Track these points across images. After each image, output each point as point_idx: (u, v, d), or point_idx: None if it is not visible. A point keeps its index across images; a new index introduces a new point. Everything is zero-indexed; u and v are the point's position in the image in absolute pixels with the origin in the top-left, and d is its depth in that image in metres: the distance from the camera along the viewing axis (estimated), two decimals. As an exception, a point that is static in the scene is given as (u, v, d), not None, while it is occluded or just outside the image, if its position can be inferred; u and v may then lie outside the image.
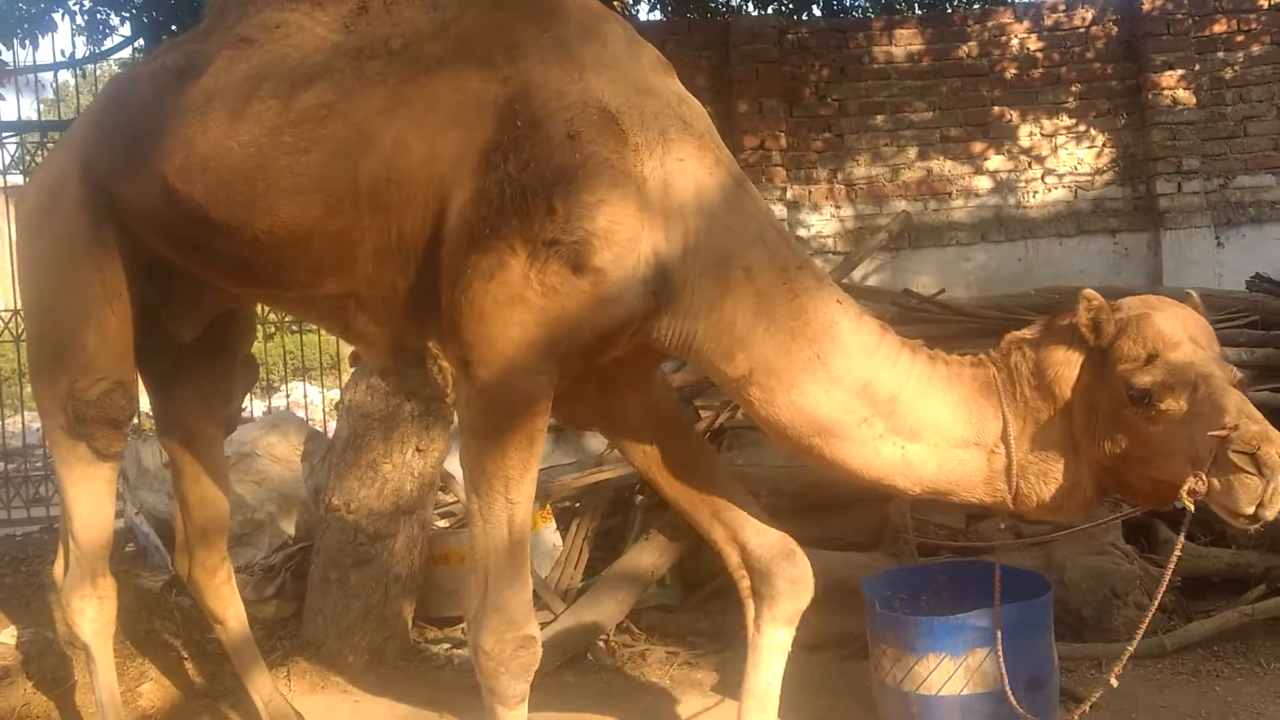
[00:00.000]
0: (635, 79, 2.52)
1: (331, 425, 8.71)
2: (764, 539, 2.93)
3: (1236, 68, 7.15)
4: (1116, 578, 4.18)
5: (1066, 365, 2.40)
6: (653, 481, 3.01)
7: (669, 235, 2.41)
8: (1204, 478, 2.14)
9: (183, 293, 2.99)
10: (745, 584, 2.99)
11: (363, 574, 4.30)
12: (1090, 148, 7.20)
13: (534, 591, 4.59)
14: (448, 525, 5.04)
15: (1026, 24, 7.25)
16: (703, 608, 4.70)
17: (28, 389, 11.54)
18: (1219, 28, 7.15)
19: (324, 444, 5.34)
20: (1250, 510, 2.11)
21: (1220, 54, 7.14)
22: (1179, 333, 2.28)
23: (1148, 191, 7.14)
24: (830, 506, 4.53)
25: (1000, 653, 3.16)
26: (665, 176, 2.41)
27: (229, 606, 3.37)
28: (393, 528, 4.35)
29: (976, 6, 8.98)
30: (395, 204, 2.43)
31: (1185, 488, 2.16)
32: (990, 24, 7.26)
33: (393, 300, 2.56)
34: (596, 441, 6.17)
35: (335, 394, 10.83)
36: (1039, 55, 7.24)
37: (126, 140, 2.71)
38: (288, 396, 11.91)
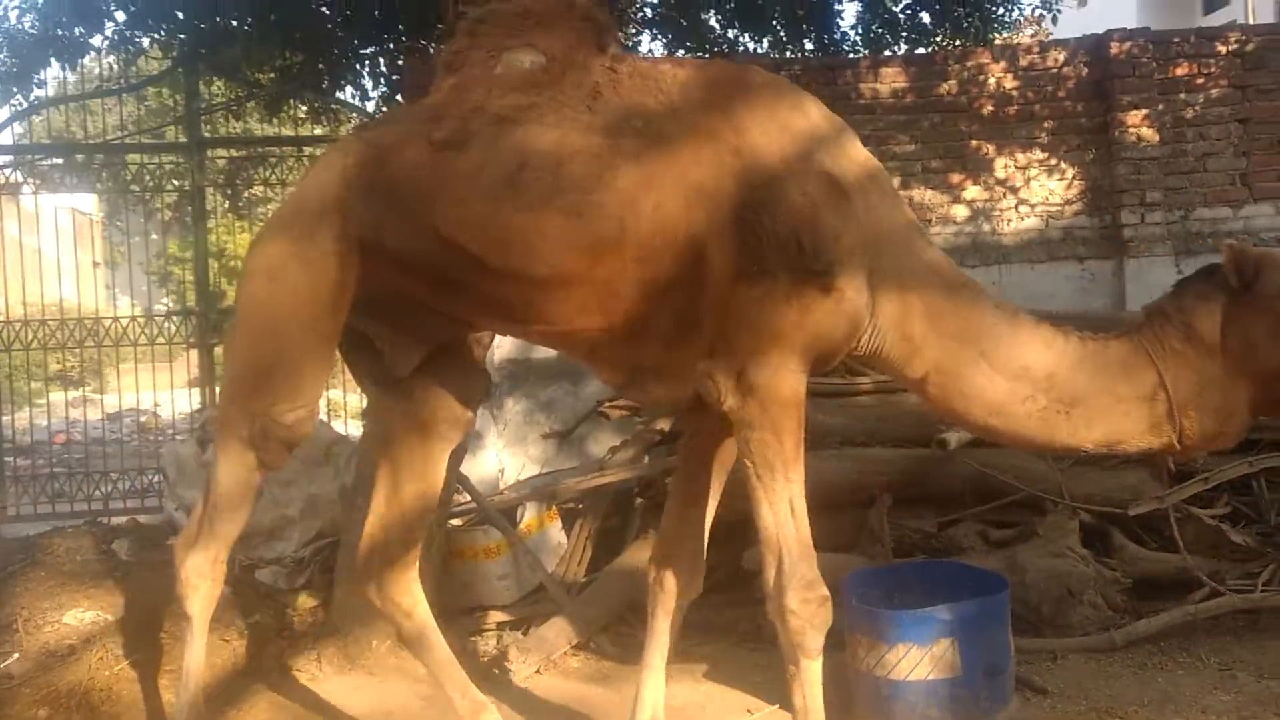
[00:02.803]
0: (834, 143, 3.00)
1: (355, 427, 9.01)
2: (695, 544, 3.48)
3: (1197, 108, 7.36)
4: (1073, 579, 4.44)
5: (1210, 311, 2.85)
6: (684, 457, 3.55)
7: (868, 263, 2.92)
8: None
9: (410, 332, 3.30)
10: (654, 575, 3.49)
11: (387, 567, 4.62)
12: (1061, 180, 7.42)
13: (542, 584, 4.99)
14: (462, 524, 5.29)
15: (1003, 64, 7.45)
16: (696, 602, 4.87)
17: (19, 386, 11.75)
18: (1181, 71, 7.36)
19: (349, 447, 5.60)
20: None
21: (1182, 95, 7.35)
22: None
23: (1113, 221, 7.33)
24: (812, 510, 4.79)
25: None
26: (865, 218, 2.92)
27: (416, 603, 3.60)
28: (414, 525, 4.68)
29: (957, 47, 9.21)
30: (655, 255, 2.85)
31: None
32: (969, 64, 7.47)
33: (641, 330, 2.98)
34: (599, 447, 6.50)
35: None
36: (1014, 93, 7.43)
37: (392, 198, 3.01)
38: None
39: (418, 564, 3.62)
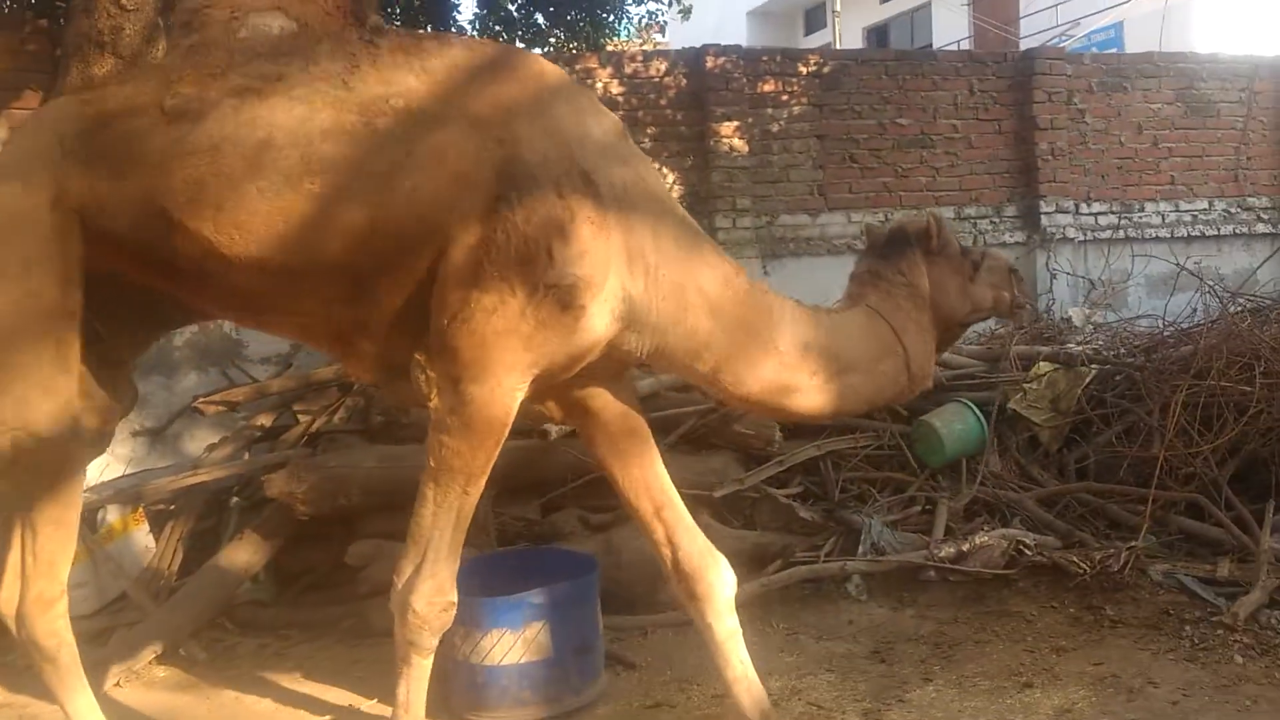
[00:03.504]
0: (603, 143, 2.88)
1: None
2: (693, 544, 3.28)
3: (782, 123, 7.96)
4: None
5: (922, 271, 3.26)
6: (608, 471, 3.30)
7: (632, 271, 2.84)
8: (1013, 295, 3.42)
9: (137, 316, 3.00)
10: (682, 588, 3.30)
11: None
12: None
13: (126, 592, 4.67)
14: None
15: (610, 70, 7.72)
16: (296, 602, 4.86)
17: None
18: (768, 87, 7.92)
19: None
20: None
21: (769, 110, 7.92)
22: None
23: (709, 225, 7.68)
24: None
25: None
26: (628, 226, 2.82)
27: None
28: None
29: (570, 50, 9.50)
30: (410, 244, 2.69)
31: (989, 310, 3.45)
32: (578, 67, 7.68)
33: (392, 323, 2.81)
34: (194, 445, 6.16)
35: None
36: (620, 99, 7.71)
37: (116, 172, 2.71)
38: None
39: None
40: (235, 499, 5.09)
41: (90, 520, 4.89)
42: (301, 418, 5.30)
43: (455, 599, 2.92)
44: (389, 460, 4.76)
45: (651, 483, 3.28)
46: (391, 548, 4.47)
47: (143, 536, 5.05)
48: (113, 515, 4.98)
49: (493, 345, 2.69)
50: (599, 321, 2.81)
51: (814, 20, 28.98)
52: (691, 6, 10.23)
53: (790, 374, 3.10)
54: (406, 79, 2.77)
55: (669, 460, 5.00)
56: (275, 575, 4.91)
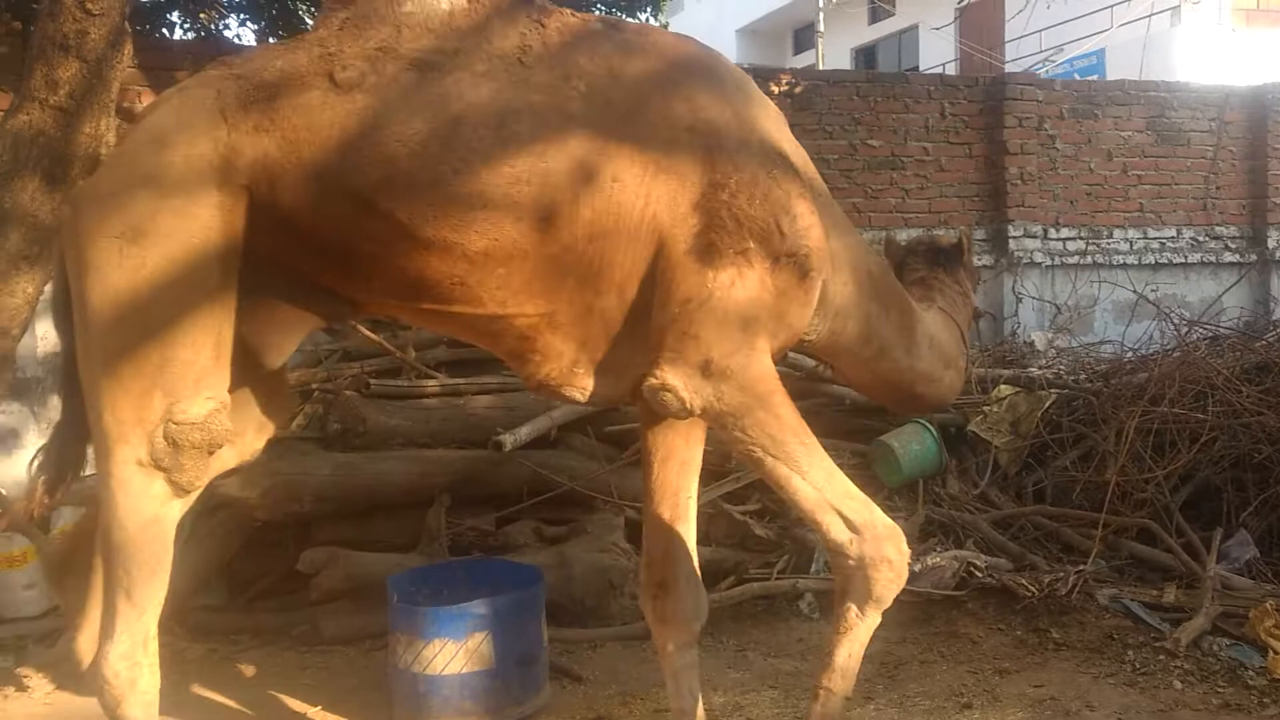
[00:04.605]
0: (778, 127, 2.89)
1: None
2: (683, 568, 3.18)
3: None
4: (615, 572, 4.70)
5: (967, 282, 3.65)
6: (646, 459, 3.18)
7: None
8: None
9: (289, 312, 2.75)
10: (653, 606, 3.21)
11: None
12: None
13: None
14: (-17, 531, 4.85)
15: None
16: (248, 609, 4.85)
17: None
18: None
19: None
20: None
21: None
22: None
23: None
24: (372, 511, 4.86)
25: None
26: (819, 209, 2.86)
27: None
28: None
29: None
30: (608, 232, 2.60)
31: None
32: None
33: (584, 317, 2.71)
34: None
35: None
36: None
37: (288, 147, 2.50)
38: None
39: None
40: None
41: (44, 522, 4.87)
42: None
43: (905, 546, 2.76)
44: (343, 468, 4.77)
45: (680, 490, 3.18)
46: (344, 555, 4.52)
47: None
48: (66, 516, 4.96)
49: (736, 316, 2.64)
50: (817, 296, 2.87)
51: (803, 40, 29.13)
52: (668, 24, 10.28)
53: (928, 363, 3.26)
54: (581, 62, 2.67)
55: (622, 474, 5.12)
56: (227, 580, 4.90)
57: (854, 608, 2.74)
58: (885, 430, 5.91)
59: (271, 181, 2.53)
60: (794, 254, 2.71)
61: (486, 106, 2.53)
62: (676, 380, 2.65)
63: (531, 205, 2.53)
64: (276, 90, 2.55)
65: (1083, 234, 8.89)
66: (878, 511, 2.74)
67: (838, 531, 2.69)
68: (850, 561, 2.69)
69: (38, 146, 4.15)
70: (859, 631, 2.76)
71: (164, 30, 8.56)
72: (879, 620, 2.78)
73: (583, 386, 2.82)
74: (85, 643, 2.86)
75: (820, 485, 2.69)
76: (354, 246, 2.59)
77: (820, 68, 19.38)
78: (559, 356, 2.77)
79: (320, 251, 2.62)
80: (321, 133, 2.51)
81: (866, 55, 27.16)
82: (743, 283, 2.64)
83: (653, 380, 2.67)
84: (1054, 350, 7.37)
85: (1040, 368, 6.55)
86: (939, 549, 5.15)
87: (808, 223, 2.75)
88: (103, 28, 4.31)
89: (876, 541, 2.68)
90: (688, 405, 2.67)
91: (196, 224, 2.50)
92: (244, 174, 2.53)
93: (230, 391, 2.64)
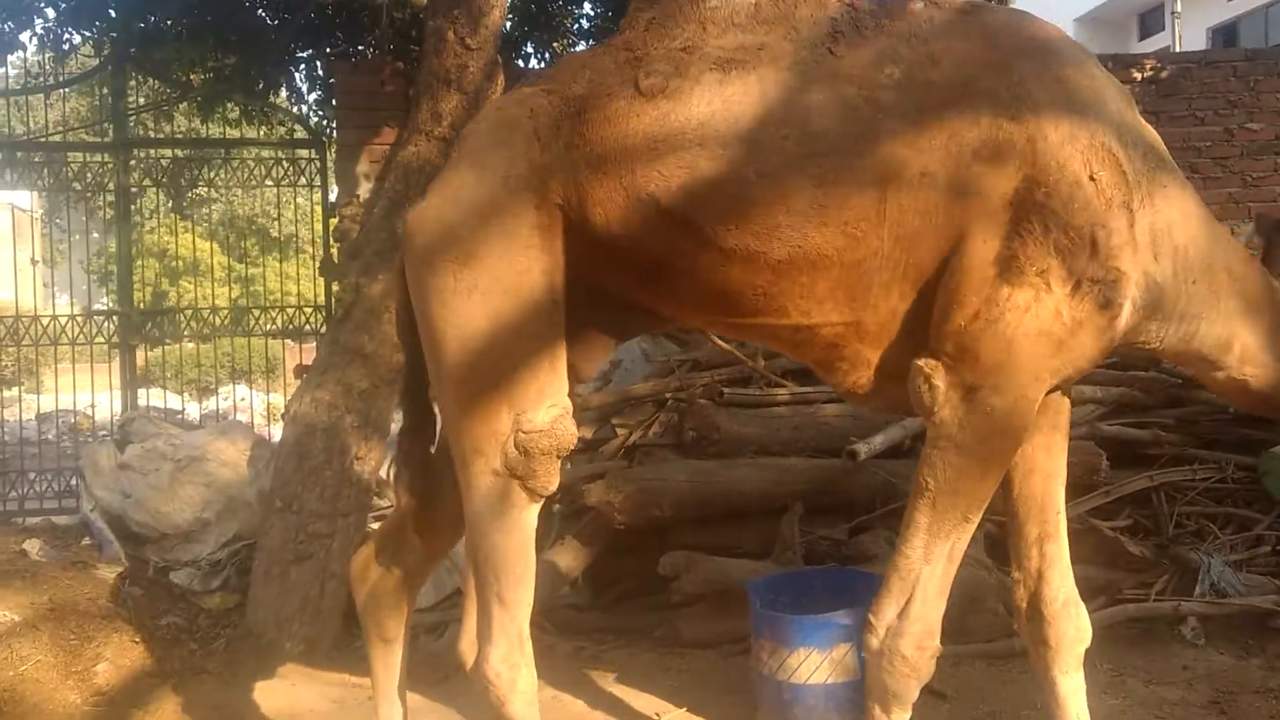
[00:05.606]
0: (1120, 116, 2.59)
1: (270, 429, 8.95)
2: (1060, 588, 2.96)
3: None
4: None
5: None
6: (1006, 477, 2.84)
7: (1158, 254, 2.59)
8: None
9: (600, 326, 2.76)
10: (1031, 630, 3.03)
11: (302, 570, 4.61)
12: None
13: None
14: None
15: None
16: (610, 609, 5.01)
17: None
18: None
19: (268, 450, 5.55)
20: None
21: None
22: None
23: None
24: (727, 518, 4.88)
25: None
26: (1152, 203, 2.57)
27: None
28: (331, 528, 4.67)
29: None
30: (917, 234, 2.45)
31: None
32: None
33: (889, 324, 2.58)
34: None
35: (274, 397, 10.98)
36: None
37: (597, 161, 2.48)
38: (225, 399, 12.02)
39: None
40: (557, 506, 5.26)
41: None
42: (619, 431, 5.45)
43: (939, 647, 2.63)
44: (699, 475, 4.87)
45: (1047, 504, 2.92)
46: (702, 560, 4.61)
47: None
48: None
49: (1022, 349, 2.43)
50: (1125, 318, 2.56)
51: (1150, 23, 27.15)
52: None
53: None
54: (897, 47, 2.51)
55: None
56: (591, 581, 5.08)
57: (876, 707, 2.68)
58: (1275, 442, 5.35)
59: (581, 198, 2.53)
60: (1099, 279, 2.44)
61: (790, 103, 2.44)
62: (940, 383, 2.51)
63: (836, 209, 2.43)
64: (585, 103, 2.54)
65: None
66: (936, 614, 2.61)
67: (881, 615, 2.64)
68: (871, 649, 2.66)
69: (425, 175, 4.50)
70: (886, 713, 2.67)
71: (519, 61, 9.14)
72: (897, 715, 2.67)
73: (890, 394, 2.70)
74: (466, 646, 3.01)
75: (929, 561, 2.57)
76: (657, 258, 2.55)
77: (1176, 50, 17.90)
78: (867, 365, 2.66)
79: (625, 265, 2.59)
80: (626, 142, 2.48)
81: (1226, 34, 24.92)
82: (1038, 308, 2.43)
83: (925, 366, 2.52)
84: None
85: None
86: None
87: (1121, 240, 2.47)
88: (480, 60, 4.64)
89: (895, 635, 2.60)
90: (933, 412, 2.53)
91: (519, 243, 2.53)
92: (558, 192, 2.54)
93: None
